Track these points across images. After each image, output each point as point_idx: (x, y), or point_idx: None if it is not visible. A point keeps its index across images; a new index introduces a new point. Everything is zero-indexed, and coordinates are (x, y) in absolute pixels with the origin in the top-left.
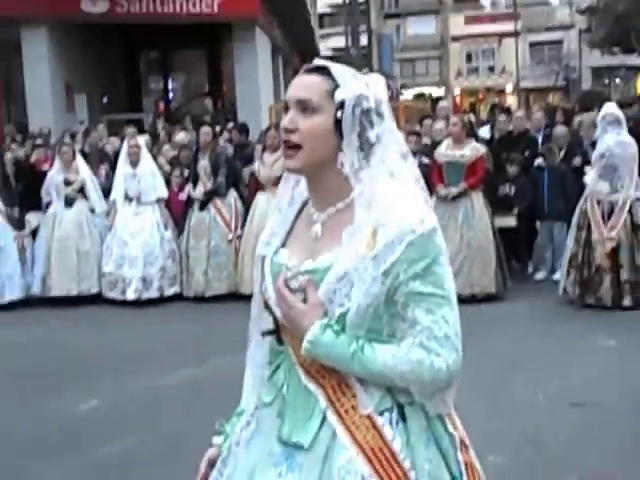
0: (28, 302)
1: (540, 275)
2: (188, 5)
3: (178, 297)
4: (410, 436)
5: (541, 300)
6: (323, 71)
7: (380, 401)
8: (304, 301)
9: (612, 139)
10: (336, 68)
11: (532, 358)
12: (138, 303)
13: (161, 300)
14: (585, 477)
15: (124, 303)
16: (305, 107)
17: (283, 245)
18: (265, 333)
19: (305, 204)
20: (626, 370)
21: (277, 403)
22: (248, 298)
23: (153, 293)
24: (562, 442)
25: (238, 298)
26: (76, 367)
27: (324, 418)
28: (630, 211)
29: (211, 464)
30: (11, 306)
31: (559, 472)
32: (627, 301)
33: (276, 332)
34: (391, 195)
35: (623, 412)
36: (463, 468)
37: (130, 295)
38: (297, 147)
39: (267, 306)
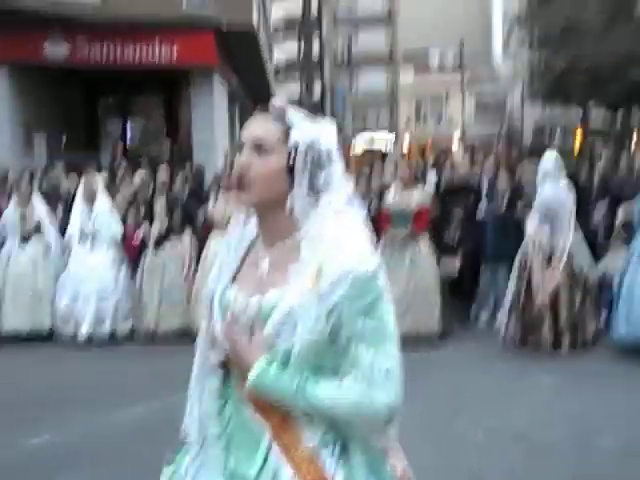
0: None
1: (483, 318)
2: (147, 53)
3: (131, 333)
4: (351, 470)
5: (483, 342)
6: (278, 113)
7: (323, 436)
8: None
9: (549, 191)
10: (291, 111)
11: (474, 398)
12: (90, 340)
13: (114, 337)
14: None
15: (76, 340)
16: (259, 147)
17: (232, 281)
18: (213, 367)
19: (254, 242)
20: (564, 408)
21: (224, 436)
22: None
23: (106, 329)
24: (504, 478)
25: (191, 335)
26: (27, 404)
27: (268, 452)
28: (570, 260)
29: None
30: None
31: None
32: (565, 343)
33: (224, 367)
34: (336, 235)
35: (561, 448)
36: None
37: (84, 330)
38: (249, 186)
39: (215, 341)
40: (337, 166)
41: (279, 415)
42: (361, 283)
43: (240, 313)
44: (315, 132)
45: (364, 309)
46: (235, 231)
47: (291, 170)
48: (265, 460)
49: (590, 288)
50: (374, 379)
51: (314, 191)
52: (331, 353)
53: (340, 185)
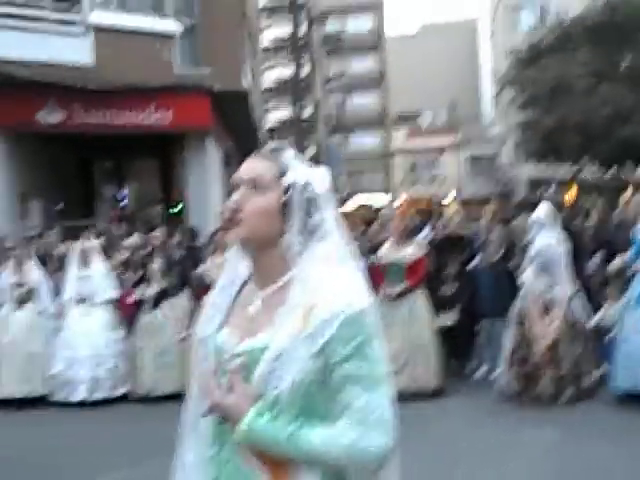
0: None
1: (479, 373)
2: (141, 117)
3: (126, 397)
4: None
5: (481, 396)
6: (273, 154)
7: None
8: (243, 381)
9: (542, 242)
10: (287, 153)
11: (471, 451)
12: (84, 404)
13: (108, 401)
14: None
15: (70, 404)
16: (254, 186)
17: (223, 324)
18: (206, 413)
19: (245, 284)
20: (564, 460)
21: None
22: None
23: (102, 394)
24: None
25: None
26: (19, 469)
27: None
28: (567, 306)
29: None
30: None
31: None
32: (567, 394)
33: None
34: (326, 277)
35: None
36: None
37: (79, 396)
38: (239, 224)
39: (207, 387)
40: (331, 211)
41: (275, 460)
42: (349, 325)
43: (230, 357)
44: (310, 175)
45: (355, 350)
46: (226, 273)
47: (284, 211)
48: None
49: (589, 338)
50: (367, 422)
51: (306, 232)
52: (322, 397)
53: (334, 228)
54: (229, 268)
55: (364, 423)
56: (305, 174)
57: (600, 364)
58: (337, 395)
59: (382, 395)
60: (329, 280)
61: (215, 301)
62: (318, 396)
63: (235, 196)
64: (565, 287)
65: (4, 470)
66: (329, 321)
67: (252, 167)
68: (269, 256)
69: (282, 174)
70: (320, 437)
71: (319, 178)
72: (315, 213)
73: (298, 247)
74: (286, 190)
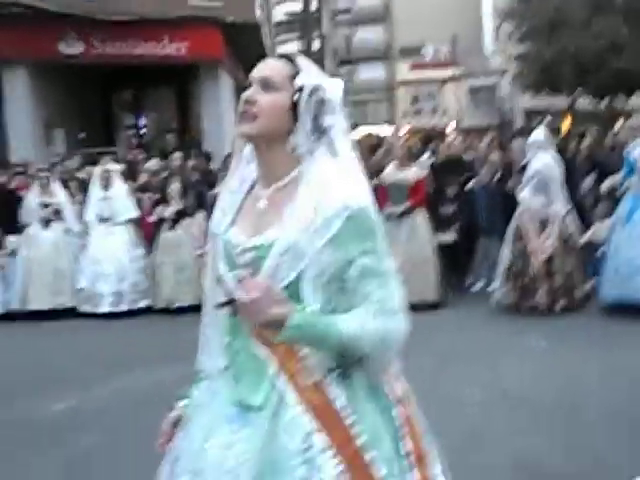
0: (8, 316)
1: (477, 287)
2: (158, 48)
3: (148, 309)
4: (353, 394)
5: (478, 308)
6: (288, 59)
7: (326, 364)
8: (253, 277)
9: (539, 162)
10: (301, 58)
11: (470, 357)
12: (110, 315)
13: (132, 312)
14: (516, 458)
15: (97, 315)
16: (266, 84)
17: (233, 223)
18: (219, 305)
19: (254, 184)
20: (555, 367)
21: (233, 368)
22: None
23: (125, 306)
24: (495, 430)
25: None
26: (52, 372)
27: (274, 382)
28: (561, 223)
29: (174, 424)
30: None
31: (492, 454)
32: (560, 304)
33: (230, 304)
34: (332, 175)
35: (546, 405)
36: (402, 421)
37: (103, 309)
38: (254, 117)
39: (220, 280)
40: (340, 116)
41: (283, 347)
42: (355, 219)
43: (240, 252)
44: (322, 80)
45: (369, 249)
46: (235, 175)
47: (295, 111)
48: (271, 389)
49: (581, 253)
50: (386, 311)
51: (315, 133)
52: (335, 292)
53: (341, 133)
54: (238, 171)
55: (383, 312)
56: (317, 78)
57: (590, 278)
58: (355, 288)
59: (395, 287)
60: (335, 178)
61: (225, 202)
62: (331, 290)
63: (249, 92)
64: (560, 205)
65: (37, 374)
66: (334, 217)
67: (266, 67)
68: (276, 152)
69: (294, 75)
70: (352, 327)
71: (331, 85)
72: (324, 117)
73: (306, 147)
74: (297, 90)
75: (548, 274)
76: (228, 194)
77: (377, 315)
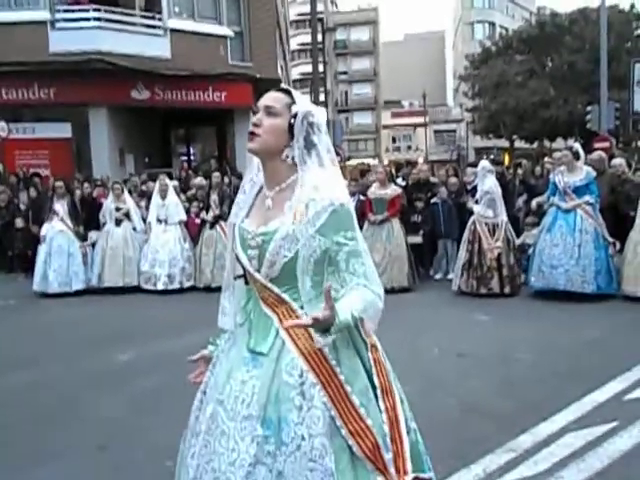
0: (88, 291)
1: (438, 276)
2: (203, 96)
3: (193, 288)
4: (335, 342)
5: (439, 292)
6: (286, 92)
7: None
8: (259, 256)
9: (491, 181)
10: (295, 92)
11: (432, 327)
12: (165, 292)
13: (181, 290)
14: (463, 400)
15: (155, 292)
16: (269, 111)
17: (247, 216)
18: (237, 277)
19: (262, 187)
20: (495, 334)
21: (247, 324)
22: None
23: (175, 285)
24: (449, 378)
25: None
26: (120, 332)
27: (277, 333)
28: (506, 231)
29: (206, 361)
30: (77, 294)
31: (445, 396)
32: (507, 289)
33: (244, 276)
34: (320, 179)
35: (489, 360)
36: (372, 363)
37: (159, 286)
38: (258, 136)
39: (237, 258)
40: (325, 137)
41: (284, 308)
42: (338, 213)
43: (252, 237)
44: (311, 107)
45: (351, 235)
46: (248, 180)
47: (291, 131)
48: (275, 339)
49: (517, 252)
50: (370, 281)
51: (307, 148)
52: (325, 271)
53: (325, 148)
54: (250, 176)
55: (368, 283)
56: (308, 105)
57: (522, 271)
58: (344, 267)
59: (370, 262)
60: (323, 182)
61: (240, 200)
62: (323, 269)
63: (256, 117)
64: (503, 216)
65: (109, 334)
66: (322, 211)
67: (270, 97)
68: (276, 163)
69: (291, 104)
70: (360, 306)
71: (318, 111)
72: (313, 135)
73: (299, 158)
74: (293, 116)
75: (498, 266)
76: (242, 194)
77: (367, 286)
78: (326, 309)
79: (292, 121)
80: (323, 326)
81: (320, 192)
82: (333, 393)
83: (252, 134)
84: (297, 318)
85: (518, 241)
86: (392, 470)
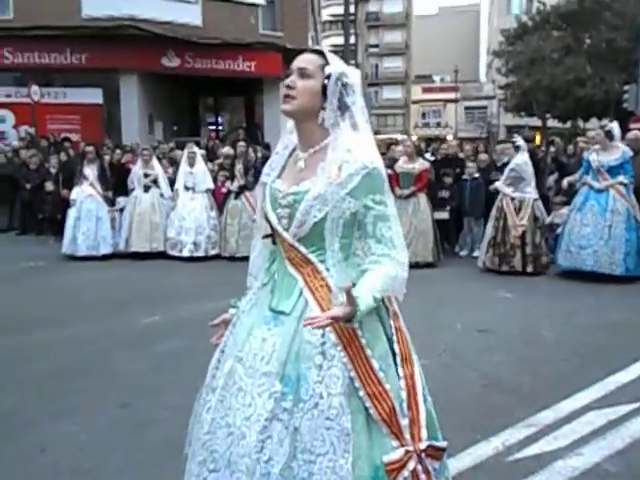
0: (116, 255)
1: (463, 253)
2: (233, 65)
3: (218, 256)
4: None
5: (463, 268)
6: (320, 53)
7: (343, 280)
8: (290, 215)
9: (521, 158)
10: (329, 53)
11: (455, 302)
12: (190, 259)
13: (206, 258)
14: (485, 375)
15: (180, 258)
16: (303, 73)
17: (279, 176)
18: (265, 236)
19: (295, 149)
20: (518, 311)
21: (270, 284)
22: None
23: (201, 253)
24: (470, 353)
25: None
26: (145, 296)
27: (301, 293)
28: (532, 207)
29: (227, 324)
30: (104, 257)
31: (467, 371)
32: (530, 268)
33: (272, 236)
34: (354, 142)
35: (511, 337)
36: (394, 330)
37: (185, 253)
38: (293, 98)
39: (266, 218)
40: (359, 98)
41: (309, 269)
42: (370, 176)
43: (283, 196)
44: (345, 68)
45: (382, 199)
46: (282, 142)
47: (324, 93)
48: (298, 298)
49: (545, 231)
50: (396, 246)
51: (341, 110)
52: (355, 235)
53: (359, 110)
54: (283, 138)
55: (395, 247)
56: (341, 67)
57: (551, 250)
58: (371, 231)
59: (397, 226)
60: (356, 145)
61: (273, 161)
62: (352, 232)
63: (289, 79)
64: (532, 193)
65: (134, 296)
66: (355, 173)
67: (303, 59)
68: (310, 125)
69: (324, 65)
70: (382, 285)
71: (352, 72)
72: (347, 97)
73: (333, 120)
74: (326, 77)
75: (522, 244)
76: (275, 155)
77: (391, 257)
78: (347, 306)
79: (325, 82)
80: (344, 319)
81: (354, 154)
82: (353, 355)
83: (286, 96)
84: (322, 280)
85: (548, 220)
86: (407, 436)
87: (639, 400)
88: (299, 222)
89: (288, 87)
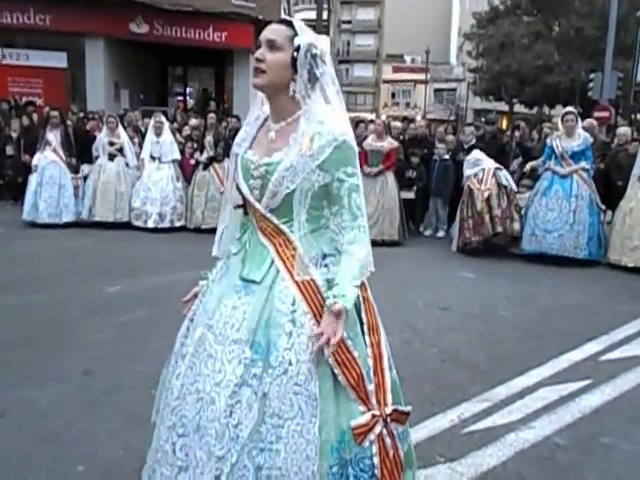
0: (78, 224)
1: (427, 232)
2: (204, 35)
3: (183, 228)
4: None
5: (427, 248)
6: (288, 23)
7: (310, 253)
8: (262, 186)
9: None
10: (298, 23)
11: (418, 281)
12: (155, 230)
13: (171, 229)
14: (444, 351)
15: (145, 229)
16: (272, 45)
17: (250, 147)
18: (236, 207)
19: (266, 119)
20: (477, 290)
21: (241, 253)
22: None
23: (166, 224)
24: (431, 330)
25: None
26: (109, 266)
27: (272, 263)
28: (495, 176)
29: (196, 295)
30: (66, 226)
31: (427, 347)
32: (499, 228)
33: (243, 206)
34: (325, 114)
35: (471, 315)
36: (362, 300)
37: (150, 224)
38: (263, 72)
39: (237, 188)
40: (329, 67)
41: (281, 239)
42: (341, 148)
43: (255, 167)
44: (314, 38)
45: (352, 171)
46: (253, 112)
47: (294, 65)
48: (269, 268)
49: (514, 198)
50: (362, 212)
51: (311, 81)
52: (325, 206)
53: (330, 80)
54: (254, 109)
55: (361, 214)
56: (310, 37)
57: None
58: (342, 201)
59: (362, 200)
60: (327, 117)
61: (244, 131)
62: (322, 203)
63: (259, 52)
64: (490, 163)
65: (98, 267)
66: (327, 145)
67: (271, 31)
68: (282, 97)
69: (293, 37)
70: (357, 268)
71: (322, 42)
72: (317, 67)
73: (304, 92)
74: (295, 49)
75: (489, 209)
76: (246, 126)
77: (360, 229)
78: (338, 320)
79: (295, 55)
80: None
81: (326, 126)
82: None
83: (257, 70)
84: (294, 250)
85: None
86: (373, 400)
87: (590, 377)
88: (271, 193)
89: (258, 60)
